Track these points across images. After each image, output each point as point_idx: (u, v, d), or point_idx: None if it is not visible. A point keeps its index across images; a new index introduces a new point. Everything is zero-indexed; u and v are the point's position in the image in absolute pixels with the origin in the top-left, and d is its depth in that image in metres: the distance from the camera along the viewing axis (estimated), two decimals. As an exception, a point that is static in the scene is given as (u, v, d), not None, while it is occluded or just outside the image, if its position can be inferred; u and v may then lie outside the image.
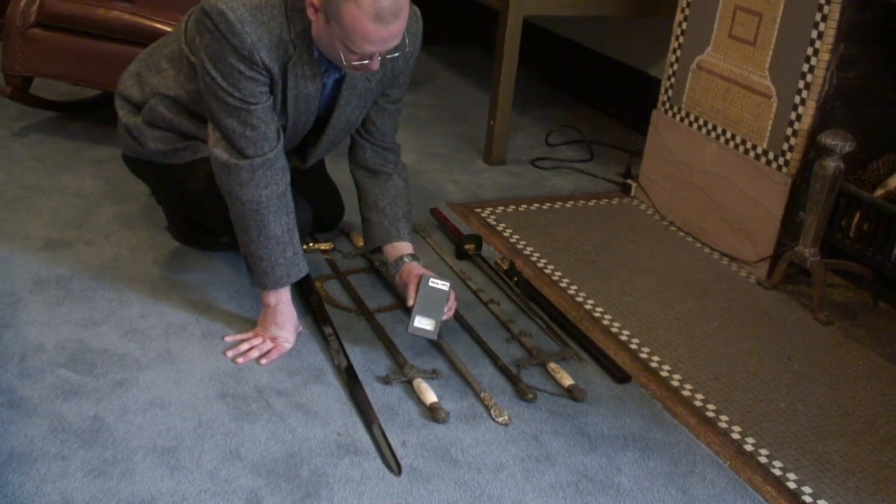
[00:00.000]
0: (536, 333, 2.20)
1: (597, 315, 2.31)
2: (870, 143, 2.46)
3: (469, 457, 1.76)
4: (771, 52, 2.51)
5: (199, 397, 1.85)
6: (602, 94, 3.97)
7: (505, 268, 2.45)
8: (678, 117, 2.88)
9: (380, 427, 1.80)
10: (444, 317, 2.05)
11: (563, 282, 2.46)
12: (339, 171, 2.50)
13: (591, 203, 3.00)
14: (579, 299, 2.38)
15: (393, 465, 1.71)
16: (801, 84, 2.42)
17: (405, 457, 1.74)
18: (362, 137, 2.21)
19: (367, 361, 2.02)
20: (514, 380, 1.99)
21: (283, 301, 2.03)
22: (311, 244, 2.47)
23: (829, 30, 2.32)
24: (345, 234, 2.60)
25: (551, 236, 2.72)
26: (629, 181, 3.10)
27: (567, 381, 2.00)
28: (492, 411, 1.89)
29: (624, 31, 3.82)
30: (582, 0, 3.19)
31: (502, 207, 2.89)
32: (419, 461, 1.74)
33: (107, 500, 1.56)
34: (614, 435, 1.87)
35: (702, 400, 2.01)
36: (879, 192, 2.40)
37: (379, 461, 1.72)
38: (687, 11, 2.80)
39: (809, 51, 2.39)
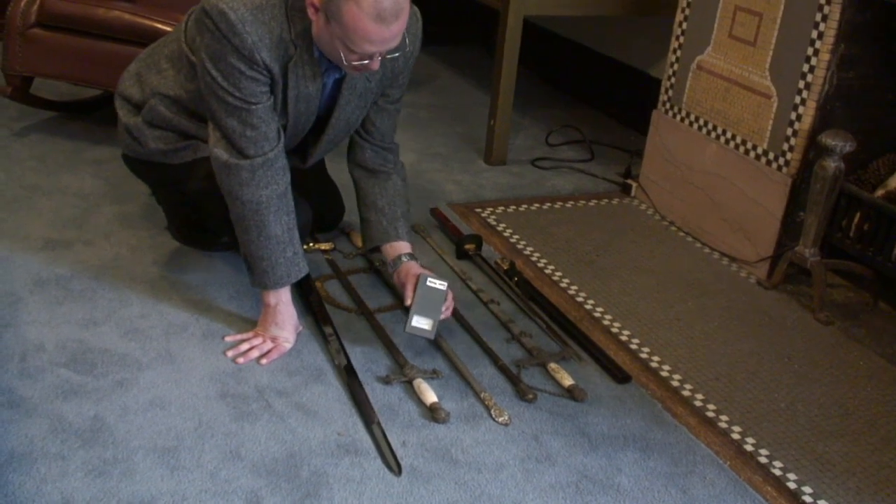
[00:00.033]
0: (536, 333, 2.20)
1: (597, 315, 2.31)
2: (870, 143, 2.46)
3: (469, 457, 1.76)
4: (771, 53, 2.50)
5: (200, 397, 1.85)
6: (602, 94, 3.97)
7: (505, 268, 2.44)
8: (678, 117, 2.88)
9: (380, 427, 1.80)
10: (442, 316, 2.05)
11: (563, 282, 2.46)
12: (339, 171, 2.50)
13: (592, 203, 3.00)
14: (579, 299, 2.38)
15: (393, 465, 1.71)
16: (801, 84, 2.42)
17: (405, 457, 1.74)
18: (361, 137, 2.21)
19: (368, 361, 2.02)
20: (514, 380, 1.99)
21: (283, 301, 2.03)
22: (311, 244, 2.47)
23: (830, 30, 2.32)
24: (345, 234, 2.60)
25: (551, 236, 2.72)
26: (629, 181, 3.10)
27: (567, 381, 2.00)
28: (492, 411, 1.89)
29: (624, 31, 3.82)
30: (582, 0, 3.19)
31: (502, 207, 2.89)
32: (419, 461, 1.73)
33: (107, 500, 1.56)
34: (614, 435, 1.87)
35: (702, 400, 2.01)
36: (880, 192, 2.40)
37: (379, 461, 1.72)
38: (687, 11, 2.80)
39: (810, 51, 2.38)
